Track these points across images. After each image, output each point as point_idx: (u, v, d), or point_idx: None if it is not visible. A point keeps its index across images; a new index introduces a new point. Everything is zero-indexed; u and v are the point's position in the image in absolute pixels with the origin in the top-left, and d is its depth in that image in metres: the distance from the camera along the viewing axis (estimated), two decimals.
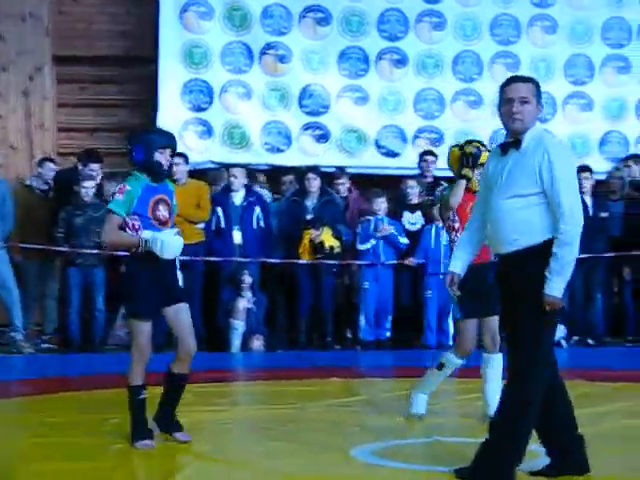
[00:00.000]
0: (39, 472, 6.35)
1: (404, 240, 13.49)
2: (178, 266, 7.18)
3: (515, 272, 6.03)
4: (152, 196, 6.91)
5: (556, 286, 5.90)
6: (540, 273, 5.91)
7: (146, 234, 6.81)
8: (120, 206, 6.81)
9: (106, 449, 6.96)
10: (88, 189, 13.05)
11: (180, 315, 7.03)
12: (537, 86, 6.16)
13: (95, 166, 13.33)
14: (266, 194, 13.97)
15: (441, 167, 14.09)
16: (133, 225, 6.85)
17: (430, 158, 14.19)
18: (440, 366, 8.12)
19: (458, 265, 6.44)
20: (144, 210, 6.87)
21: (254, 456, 6.89)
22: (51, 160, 13.87)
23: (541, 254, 5.92)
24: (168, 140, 7.13)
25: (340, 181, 14.06)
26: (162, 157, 6.94)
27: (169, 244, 6.85)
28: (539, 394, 5.98)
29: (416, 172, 14.25)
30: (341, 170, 14.29)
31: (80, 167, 13.40)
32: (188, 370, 7.15)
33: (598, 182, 14.16)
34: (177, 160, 12.55)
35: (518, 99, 6.05)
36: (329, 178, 14.02)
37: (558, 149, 6.07)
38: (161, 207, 6.95)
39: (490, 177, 6.21)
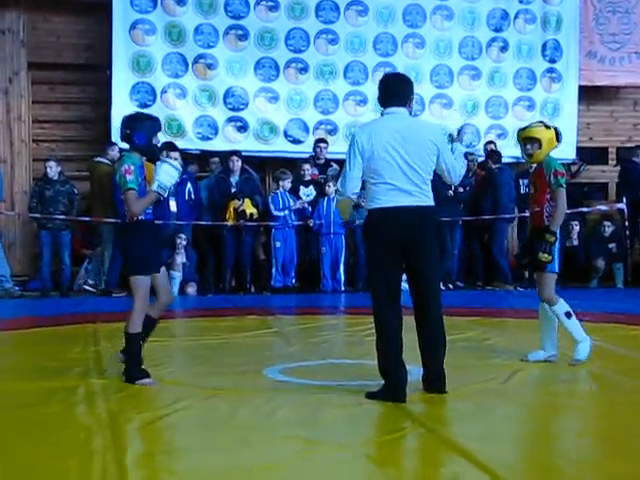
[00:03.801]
0: (20, 390, 6.30)
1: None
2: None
3: None
4: (143, 173, 6.53)
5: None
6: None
7: (152, 186, 6.41)
8: (134, 183, 6.35)
9: (69, 371, 6.90)
10: (53, 168, 12.97)
11: (163, 275, 6.78)
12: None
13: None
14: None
15: (331, 151, 14.27)
16: None
17: (323, 145, 14.23)
18: (568, 314, 7.15)
19: None
20: (142, 185, 6.48)
21: (186, 376, 6.86)
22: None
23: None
24: (160, 125, 6.82)
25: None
26: (156, 140, 6.65)
27: (168, 169, 6.45)
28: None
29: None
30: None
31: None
32: (160, 315, 6.87)
33: None
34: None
35: None
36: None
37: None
38: (146, 183, 6.58)
39: None
